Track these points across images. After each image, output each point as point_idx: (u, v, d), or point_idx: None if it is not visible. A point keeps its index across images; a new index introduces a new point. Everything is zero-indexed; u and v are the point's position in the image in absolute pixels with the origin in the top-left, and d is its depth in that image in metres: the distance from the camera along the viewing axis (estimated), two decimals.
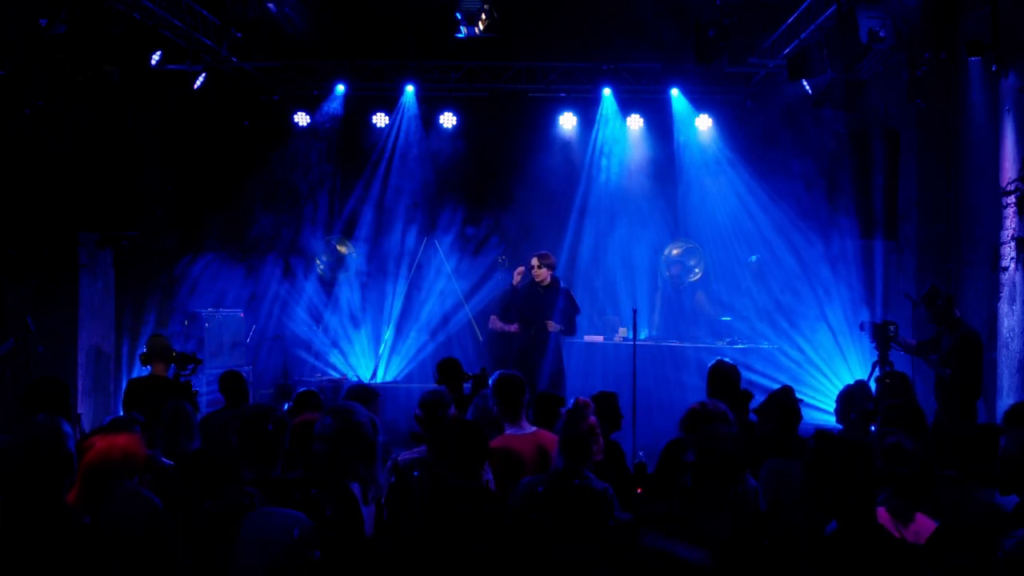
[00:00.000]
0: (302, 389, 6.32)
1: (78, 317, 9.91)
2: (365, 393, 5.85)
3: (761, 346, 11.05)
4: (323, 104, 12.84)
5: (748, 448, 4.88)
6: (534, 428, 5.58)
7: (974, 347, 7.80)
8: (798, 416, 5.51)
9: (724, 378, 6.17)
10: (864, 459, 3.54)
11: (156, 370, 7.64)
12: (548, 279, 10.09)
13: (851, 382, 6.72)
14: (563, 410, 4.81)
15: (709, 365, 6.38)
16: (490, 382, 5.81)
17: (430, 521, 4.08)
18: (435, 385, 6.76)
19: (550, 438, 5.29)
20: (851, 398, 6.27)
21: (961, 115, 9.45)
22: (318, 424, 4.24)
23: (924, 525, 3.97)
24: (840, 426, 6.29)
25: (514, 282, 10.21)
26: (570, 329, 10.26)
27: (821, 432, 3.78)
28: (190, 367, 7.83)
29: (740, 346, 11.01)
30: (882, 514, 3.83)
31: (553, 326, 9.95)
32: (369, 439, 4.23)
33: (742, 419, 5.78)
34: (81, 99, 8.89)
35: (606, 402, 5.95)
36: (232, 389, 6.97)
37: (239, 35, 10.94)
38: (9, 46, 8.55)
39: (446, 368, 7.04)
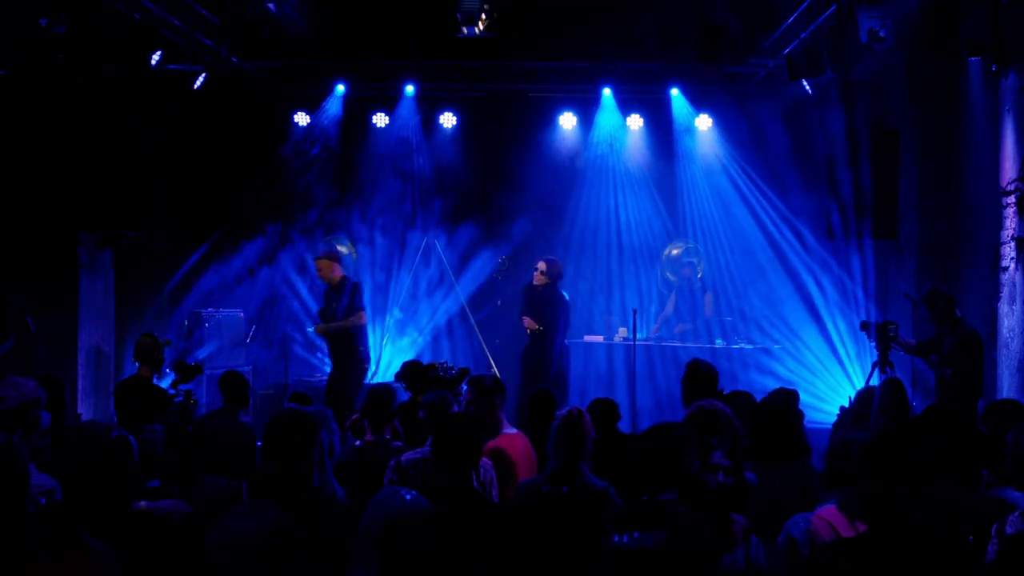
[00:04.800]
0: (292, 391, 6.30)
1: (78, 317, 9.91)
2: (384, 394, 5.58)
3: (760, 346, 11.06)
4: (323, 104, 12.83)
5: None
6: (515, 430, 5.66)
7: (974, 347, 7.80)
8: (785, 422, 5.02)
9: (701, 379, 6.01)
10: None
11: (142, 371, 7.45)
12: (547, 281, 10.13)
13: (860, 386, 6.65)
14: (558, 413, 4.82)
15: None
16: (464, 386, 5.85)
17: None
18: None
19: (526, 443, 5.45)
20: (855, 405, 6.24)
21: (961, 115, 9.45)
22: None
23: None
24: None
25: (535, 281, 10.18)
26: (563, 329, 10.25)
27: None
28: (195, 379, 7.78)
29: (740, 346, 11.01)
30: (832, 513, 3.64)
31: (530, 323, 9.96)
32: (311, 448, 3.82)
33: None
34: (81, 99, 8.89)
35: (604, 408, 5.91)
36: (232, 389, 6.93)
37: (239, 35, 10.92)
38: (9, 46, 8.56)
39: (409, 370, 6.92)
